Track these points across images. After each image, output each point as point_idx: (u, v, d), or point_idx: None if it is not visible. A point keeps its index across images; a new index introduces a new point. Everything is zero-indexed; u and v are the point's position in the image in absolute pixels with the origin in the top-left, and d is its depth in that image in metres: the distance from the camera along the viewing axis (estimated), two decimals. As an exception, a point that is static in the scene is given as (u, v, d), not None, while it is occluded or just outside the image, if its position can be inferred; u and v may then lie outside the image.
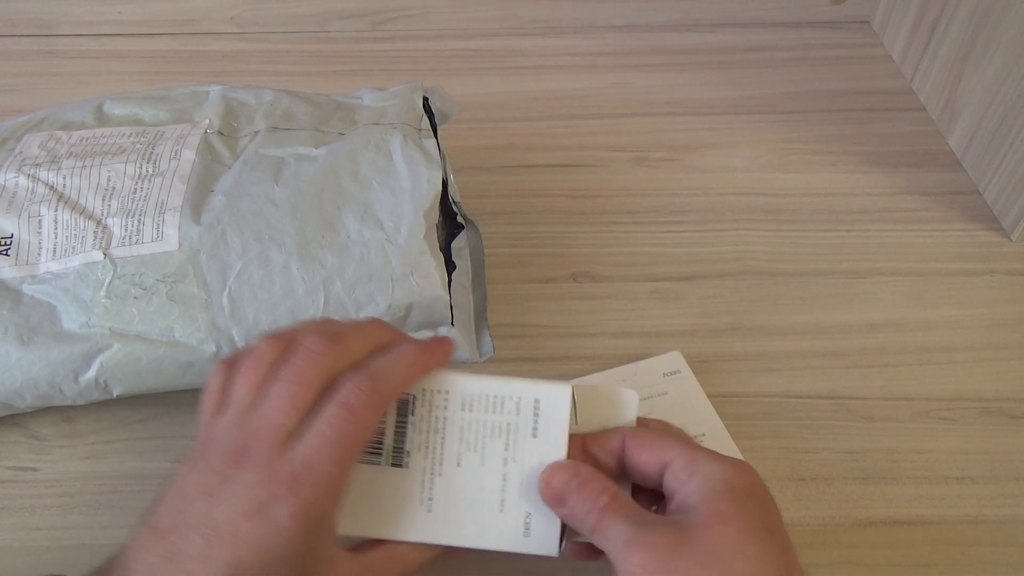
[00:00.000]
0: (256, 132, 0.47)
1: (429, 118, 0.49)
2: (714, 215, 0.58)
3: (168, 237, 0.42)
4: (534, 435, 0.35)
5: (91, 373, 0.42)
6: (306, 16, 0.74)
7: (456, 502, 0.35)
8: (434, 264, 0.43)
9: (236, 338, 0.42)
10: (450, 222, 0.51)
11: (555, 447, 0.35)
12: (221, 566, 0.29)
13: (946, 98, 0.64)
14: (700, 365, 0.48)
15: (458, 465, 0.35)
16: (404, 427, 0.35)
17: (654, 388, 0.45)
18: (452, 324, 0.45)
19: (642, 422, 0.36)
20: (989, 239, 0.56)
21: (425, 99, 0.50)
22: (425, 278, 0.43)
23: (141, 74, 0.70)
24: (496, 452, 0.35)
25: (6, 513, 0.42)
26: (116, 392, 0.43)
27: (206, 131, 0.47)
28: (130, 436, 0.45)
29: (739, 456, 0.42)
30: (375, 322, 0.36)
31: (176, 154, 0.45)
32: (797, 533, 0.41)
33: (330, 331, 0.34)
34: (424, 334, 0.45)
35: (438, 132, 0.49)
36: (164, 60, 0.71)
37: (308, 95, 0.51)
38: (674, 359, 0.47)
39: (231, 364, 0.33)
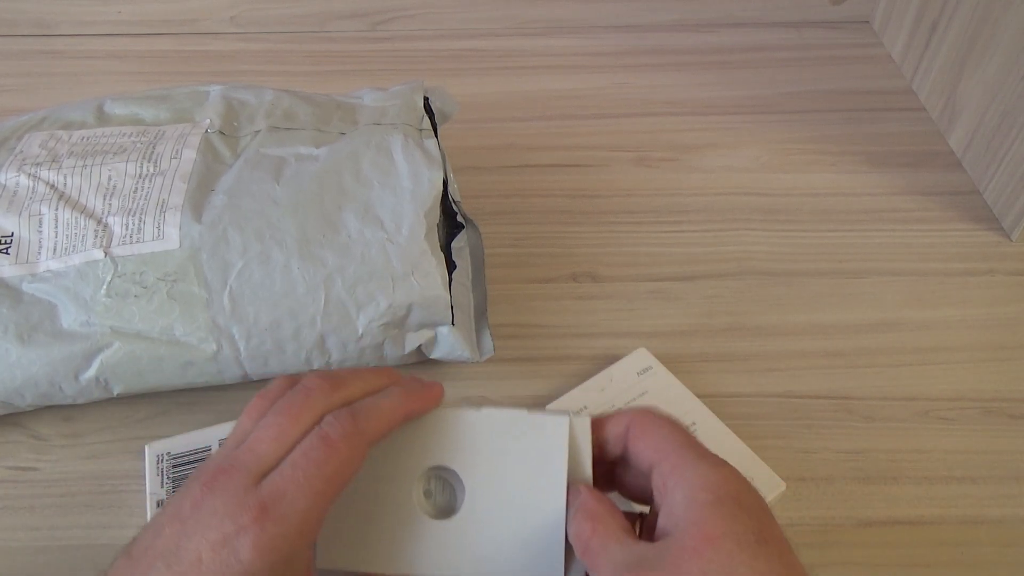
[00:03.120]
0: (257, 132, 0.47)
1: (430, 118, 0.49)
2: (714, 215, 0.58)
3: (169, 236, 0.42)
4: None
5: (91, 372, 0.42)
6: (306, 16, 0.74)
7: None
8: (435, 263, 0.43)
9: (237, 337, 0.42)
10: (450, 222, 0.51)
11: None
12: None
13: (946, 98, 0.64)
14: (700, 365, 0.48)
15: None
16: None
17: (632, 390, 0.45)
18: (452, 324, 0.45)
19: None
20: (989, 239, 0.56)
21: (426, 99, 0.50)
22: (426, 277, 0.43)
23: (141, 74, 0.70)
24: None
25: (6, 513, 0.42)
26: (116, 391, 0.43)
27: (207, 130, 0.47)
28: (130, 436, 0.45)
29: (733, 435, 0.43)
30: (379, 370, 0.36)
31: (177, 153, 0.45)
32: (797, 533, 0.41)
33: (332, 375, 0.34)
34: (424, 334, 0.45)
35: (438, 132, 0.49)
36: (164, 60, 0.71)
37: (309, 95, 0.51)
38: (642, 356, 0.47)
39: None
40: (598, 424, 0.34)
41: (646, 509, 0.34)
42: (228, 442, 0.32)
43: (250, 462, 0.30)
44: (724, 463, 0.31)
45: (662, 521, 0.31)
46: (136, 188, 0.44)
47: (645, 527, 0.32)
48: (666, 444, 0.32)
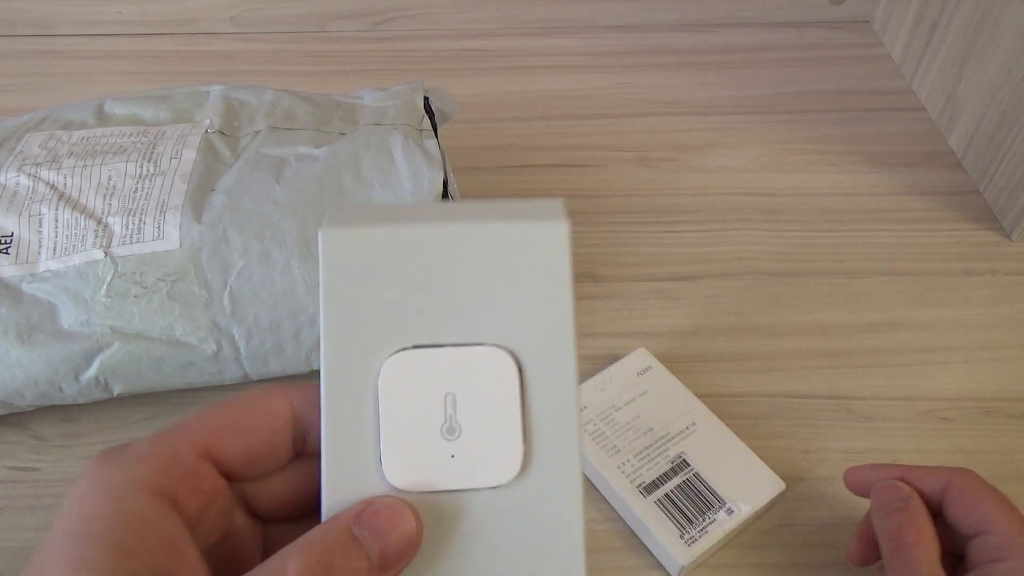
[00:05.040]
0: (257, 132, 0.47)
1: (430, 118, 0.49)
2: (714, 215, 0.58)
3: (169, 236, 0.42)
4: None
5: (91, 372, 0.42)
6: (306, 16, 0.74)
7: None
8: (435, 264, 0.43)
9: (237, 337, 0.42)
10: (450, 222, 0.51)
11: None
12: None
13: (946, 98, 0.64)
14: (700, 365, 0.48)
15: None
16: None
17: (632, 390, 0.45)
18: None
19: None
20: (989, 239, 0.56)
21: (426, 99, 0.50)
22: (426, 278, 0.43)
23: (141, 74, 0.70)
24: None
25: (6, 513, 0.42)
26: (116, 391, 0.43)
27: (207, 131, 0.47)
28: (130, 436, 0.45)
29: (733, 435, 0.43)
30: None
31: (177, 153, 0.45)
32: (797, 533, 0.41)
33: None
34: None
35: (438, 132, 0.49)
36: (164, 60, 0.71)
37: (309, 95, 0.50)
38: (642, 356, 0.47)
39: None
40: (912, 475, 0.37)
41: None
42: None
43: None
44: None
45: None
46: (136, 188, 0.44)
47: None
48: (997, 518, 0.34)
